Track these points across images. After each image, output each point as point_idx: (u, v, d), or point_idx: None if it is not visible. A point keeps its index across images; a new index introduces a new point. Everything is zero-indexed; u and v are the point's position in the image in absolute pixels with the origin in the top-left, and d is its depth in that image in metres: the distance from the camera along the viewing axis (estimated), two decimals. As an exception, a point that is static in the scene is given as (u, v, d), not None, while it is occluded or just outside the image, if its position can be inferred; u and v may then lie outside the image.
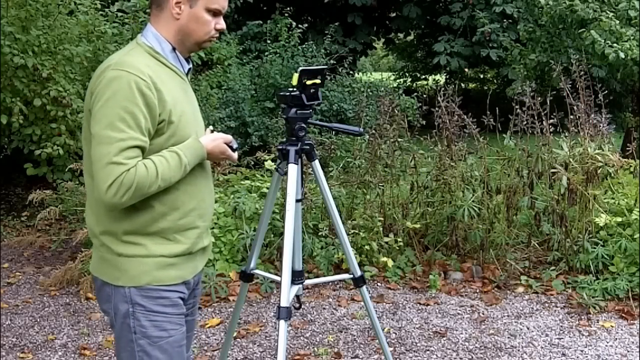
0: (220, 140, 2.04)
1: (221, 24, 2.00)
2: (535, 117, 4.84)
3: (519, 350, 3.69)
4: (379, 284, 4.66)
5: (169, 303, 1.97)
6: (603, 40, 6.80)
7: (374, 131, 5.14)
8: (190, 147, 1.94)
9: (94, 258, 2.02)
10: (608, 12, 7.02)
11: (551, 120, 4.84)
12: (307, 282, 2.89)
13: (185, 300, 2.08)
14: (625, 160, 4.93)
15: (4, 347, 3.71)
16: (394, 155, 5.13)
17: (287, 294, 2.42)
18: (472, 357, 3.62)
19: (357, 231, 4.73)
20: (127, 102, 1.80)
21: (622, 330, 3.95)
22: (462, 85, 15.71)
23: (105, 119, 1.80)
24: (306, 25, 9.59)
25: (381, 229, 4.84)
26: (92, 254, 2.05)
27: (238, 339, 3.79)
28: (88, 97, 1.89)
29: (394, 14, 14.42)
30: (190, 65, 2.07)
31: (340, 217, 2.95)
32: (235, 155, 2.11)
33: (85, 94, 1.97)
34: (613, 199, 4.80)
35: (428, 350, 3.70)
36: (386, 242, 4.82)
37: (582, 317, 4.12)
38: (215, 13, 1.97)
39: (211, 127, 2.17)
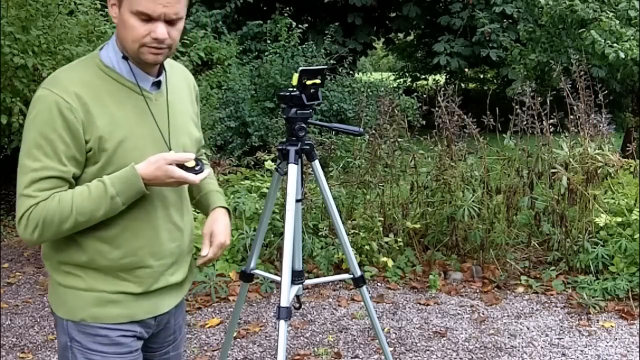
0: (162, 162, 1.64)
1: (157, 32, 1.62)
2: (535, 117, 4.84)
3: (519, 350, 3.69)
4: (379, 284, 4.66)
5: (107, 342, 1.75)
6: (603, 40, 6.80)
7: (374, 131, 5.14)
8: (120, 175, 1.63)
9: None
10: (608, 12, 7.03)
11: (551, 120, 4.84)
12: (307, 282, 2.88)
13: (155, 336, 1.88)
14: (625, 160, 4.94)
15: (4, 347, 3.71)
16: (394, 155, 5.13)
17: (287, 294, 2.41)
18: (472, 357, 3.62)
19: (357, 231, 4.73)
20: (45, 126, 1.60)
21: (622, 330, 3.95)
22: (462, 85, 15.72)
23: (24, 144, 1.65)
24: (306, 25, 9.59)
25: (381, 229, 4.84)
26: None
27: (238, 339, 3.79)
28: None
29: (394, 14, 14.42)
30: (160, 78, 1.75)
31: (340, 217, 2.94)
32: (196, 176, 1.68)
33: None
34: (613, 199, 4.81)
35: (428, 350, 3.70)
36: (386, 242, 4.82)
37: (582, 317, 4.12)
38: (145, 18, 1.62)
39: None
